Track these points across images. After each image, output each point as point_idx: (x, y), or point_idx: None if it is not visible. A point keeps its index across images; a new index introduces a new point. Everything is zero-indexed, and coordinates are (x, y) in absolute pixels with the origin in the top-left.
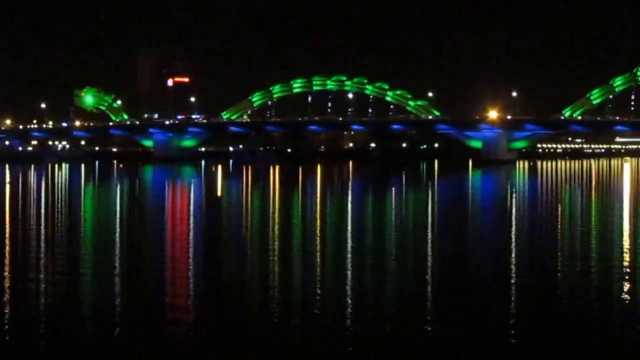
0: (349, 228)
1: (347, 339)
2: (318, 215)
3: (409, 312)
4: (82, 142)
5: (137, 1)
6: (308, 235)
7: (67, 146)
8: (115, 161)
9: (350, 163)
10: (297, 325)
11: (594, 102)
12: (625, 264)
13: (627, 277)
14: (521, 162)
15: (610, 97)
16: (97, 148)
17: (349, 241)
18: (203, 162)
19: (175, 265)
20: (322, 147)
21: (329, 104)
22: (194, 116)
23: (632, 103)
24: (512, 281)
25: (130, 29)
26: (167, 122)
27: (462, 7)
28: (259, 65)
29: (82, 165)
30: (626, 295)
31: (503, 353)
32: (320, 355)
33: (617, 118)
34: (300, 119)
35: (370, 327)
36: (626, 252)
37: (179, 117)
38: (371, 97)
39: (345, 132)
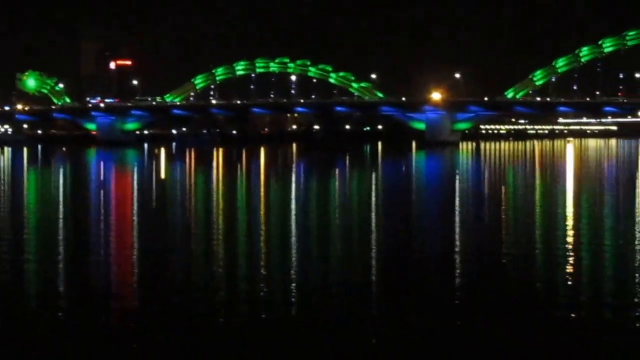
0: (293, 210)
1: (292, 320)
2: (262, 198)
3: (353, 294)
4: (25, 126)
5: None
6: (251, 218)
7: (10, 130)
8: (58, 145)
9: (294, 145)
10: (242, 309)
11: (537, 83)
12: (568, 244)
13: (569, 257)
14: (465, 144)
15: (553, 78)
16: (39, 132)
17: (293, 223)
18: (146, 145)
19: (119, 248)
20: (266, 129)
21: (273, 87)
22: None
23: (575, 84)
24: (455, 262)
25: (75, 13)
26: (110, 106)
27: None
28: (202, 48)
29: (25, 149)
30: (568, 275)
31: (447, 333)
32: (264, 337)
33: (560, 99)
34: (243, 101)
35: (314, 308)
36: (569, 233)
37: (122, 100)
38: (315, 79)
39: (289, 115)
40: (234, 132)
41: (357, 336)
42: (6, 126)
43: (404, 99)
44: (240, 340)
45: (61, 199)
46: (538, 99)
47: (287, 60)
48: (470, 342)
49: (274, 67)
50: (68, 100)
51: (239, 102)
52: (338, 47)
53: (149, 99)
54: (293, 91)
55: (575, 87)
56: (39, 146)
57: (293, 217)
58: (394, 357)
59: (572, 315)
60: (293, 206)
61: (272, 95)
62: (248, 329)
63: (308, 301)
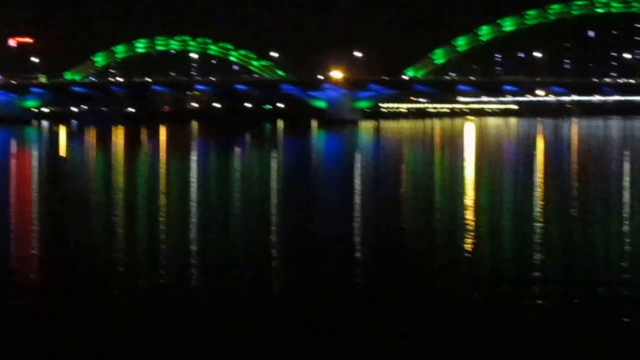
0: (194, 188)
1: (191, 300)
2: (161, 176)
3: (250, 275)
4: None
5: None
6: (149, 195)
7: None
8: None
9: (195, 123)
10: (141, 288)
11: (437, 62)
12: (467, 221)
13: (468, 233)
14: (366, 122)
15: (453, 57)
16: None
17: (193, 202)
18: (46, 123)
19: (18, 226)
20: (167, 107)
21: (173, 65)
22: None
23: (475, 63)
24: (355, 239)
25: None
26: (9, 83)
27: None
28: (102, 26)
29: None
30: (466, 251)
31: (347, 312)
32: (159, 321)
33: (460, 78)
34: (144, 79)
35: (211, 289)
36: (468, 210)
37: (22, 78)
38: (216, 57)
39: (190, 92)
40: (135, 110)
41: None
42: None
43: (304, 77)
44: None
45: None
46: (439, 78)
47: (188, 39)
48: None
49: (174, 45)
50: None
51: (138, 80)
52: (241, 26)
53: (42, 76)
54: (193, 69)
55: (475, 66)
56: None
57: (190, 196)
58: (279, 341)
59: (473, 293)
60: (191, 185)
61: (172, 74)
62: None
63: (203, 277)
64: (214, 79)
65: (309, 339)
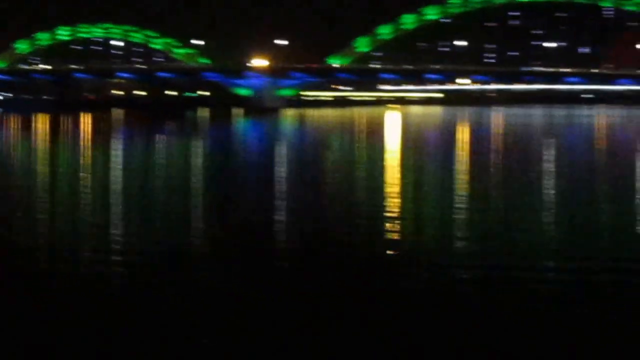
0: (115, 175)
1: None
2: (83, 163)
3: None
4: None
5: None
6: (71, 182)
7: None
8: None
9: (118, 111)
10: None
11: (361, 50)
12: (384, 207)
13: (384, 218)
14: (289, 110)
15: (377, 45)
16: None
17: (114, 187)
18: None
19: None
20: (90, 94)
21: (96, 52)
22: None
23: (398, 52)
24: (272, 226)
25: None
26: None
27: None
28: (25, 12)
29: None
30: (380, 235)
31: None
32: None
33: (383, 66)
34: (67, 66)
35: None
36: (386, 196)
37: None
38: (139, 44)
39: (113, 80)
40: (57, 98)
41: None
42: None
43: (228, 65)
44: None
45: None
46: (362, 66)
47: (111, 26)
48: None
49: (97, 32)
50: None
51: (61, 67)
52: (165, 13)
53: None
54: (117, 57)
55: (398, 55)
56: None
57: (108, 184)
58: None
59: (398, 283)
60: (110, 173)
61: (94, 61)
62: None
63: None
64: (136, 66)
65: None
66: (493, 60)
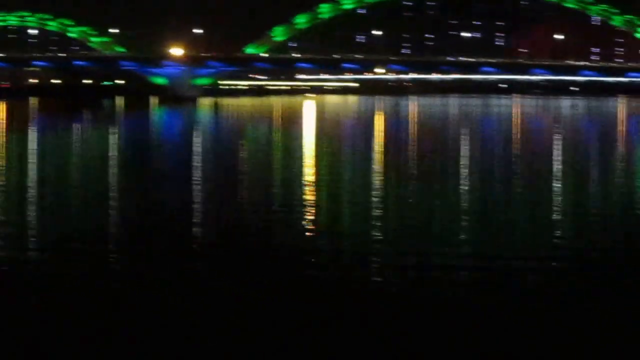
0: (29, 163)
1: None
2: None
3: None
4: None
5: None
6: None
7: None
8: None
9: (34, 99)
10: None
11: (277, 39)
12: (308, 199)
13: (307, 211)
14: (205, 99)
15: (293, 35)
16: None
17: (25, 178)
18: None
19: None
20: (5, 83)
21: (11, 40)
22: None
23: (315, 41)
24: (192, 214)
25: None
26: None
27: None
28: None
29: None
30: (305, 229)
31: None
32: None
33: (299, 55)
34: None
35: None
36: (301, 185)
37: None
38: (55, 33)
39: (28, 69)
40: None
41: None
42: None
43: (144, 54)
44: None
45: None
46: (279, 55)
47: (27, 14)
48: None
49: (12, 20)
50: None
51: None
52: (81, 1)
53: None
54: (33, 45)
55: (315, 44)
56: None
57: (22, 172)
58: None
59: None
60: (24, 160)
61: (10, 49)
62: None
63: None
64: (52, 55)
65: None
66: (409, 51)
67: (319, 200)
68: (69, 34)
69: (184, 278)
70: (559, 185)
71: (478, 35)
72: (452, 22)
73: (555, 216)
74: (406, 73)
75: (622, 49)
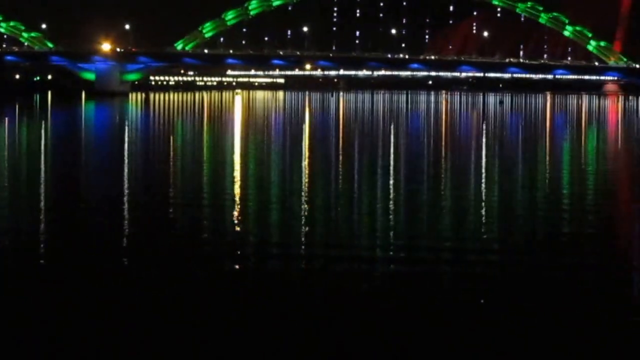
0: None
1: None
2: None
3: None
4: None
5: None
6: None
7: None
8: None
9: None
10: None
11: (207, 35)
12: (235, 193)
13: (235, 206)
14: (135, 94)
15: (223, 30)
16: None
17: None
18: None
19: None
20: None
21: None
22: None
23: (244, 37)
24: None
25: None
26: None
27: None
28: None
29: None
30: (232, 223)
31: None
32: None
33: (229, 51)
34: None
35: None
36: (236, 182)
37: None
38: None
39: None
40: None
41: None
42: None
43: (73, 49)
44: None
45: None
46: (207, 50)
47: None
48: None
49: None
50: None
51: None
52: None
53: None
54: None
55: (244, 40)
56: None
57: None
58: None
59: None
60: None
61: None
62: None
63: None
64: None
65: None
66: (338, 47)
67: (227, 191)
68: (24, 37)
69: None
70: (483, 175)
71: (406, 32)
72: (381, 19)
73: (475, 207)
74: (336, 69)
75: (548, 47)
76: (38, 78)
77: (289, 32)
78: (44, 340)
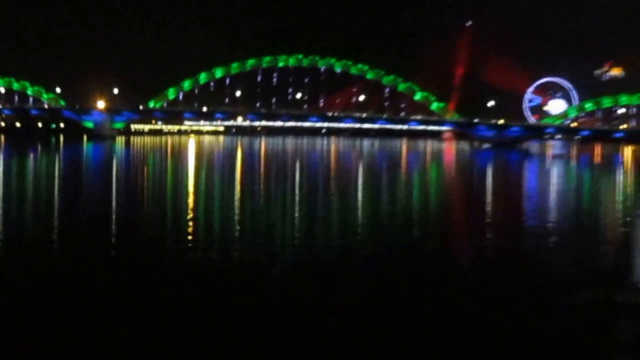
0: None
1: None
2: None
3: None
4: None
5: None
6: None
7: None
8: None
9: (1, 136)
10: None
11: (170, 97)
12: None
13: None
14: (120, 137)
15: (181, 93)
16: None
17: None
18: None
19: None
20: None
21: None
22: None
23: (196, 98)
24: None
25: None
26: None
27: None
28: None
29: None
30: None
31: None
32: None
33: (185, 108)
34: None
35: None
36: (178, 198)
37: None
38: (17, 91)
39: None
40: None
41: None
42: None
43: (78, 106)
44: None
45: None
46: (171, 108)
47: None
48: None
49: None
50: None
51: None
52: (30, 65)
53: None
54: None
55: (195, 101)
56: None
57: None
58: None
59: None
60: None
61: None
62: None
63: None
64: (16, 105)
65: None
66: (261, 104)
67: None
68: (27, 91)
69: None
70: (359, 191)
71: (308, 95)
72: (291, 85)
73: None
74: (259, 120)
75: (405, 106)
76: (54, 125)
77: (226, 95)
78: None
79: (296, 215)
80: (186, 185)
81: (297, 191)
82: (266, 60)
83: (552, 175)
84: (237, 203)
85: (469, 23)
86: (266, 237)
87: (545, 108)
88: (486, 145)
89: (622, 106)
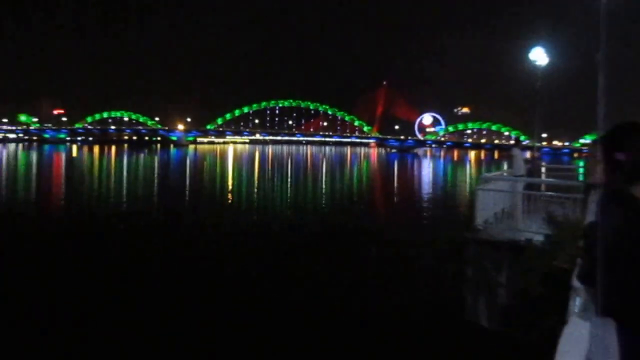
0: (120, 172)
1: None
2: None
3: None
4: None
5: None
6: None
7: None
8: None
9: (125, 145)
10: None
11: (218, 122)
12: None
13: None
14: (191, 146)
15: (225, 120)
16: None
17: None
18: None
19: None
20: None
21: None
22: None
23: (232, 123)
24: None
25: None
26: None
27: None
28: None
29: None
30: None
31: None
32: None
33: (226, 128)
34: (105, 127)
35: None
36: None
37: None
38: (134, 119)
39: (120, 133)
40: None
41: None
42: None
43: (167, 128)
44: None
45: None
46: (220, 127)
47: (124, 112)
48: None
49: (116, 114)
50: None
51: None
52: (143, 99)
53: None
54: (126, 124)
55: (232, 124)
56: None
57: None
58: None
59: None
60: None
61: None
62: None
63: None
64: (133, 128)
65: None
66: (268, 126)
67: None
68: (141, 119)
69: None
70: (318, 181)
71: (294, 120)
72: (286, 114)
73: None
74: (268, 136)
75: (349, 129)
76: (154, 139)
77: (249, 121)
78: None
79: (289, 184)
80: (231, 168)
81: (289, 171)
82: (272, 103)
83: (430, 165)
84: (256, 177)
85: (384, 83)
86: (276, 200)
87: (427, 129)
88: (394, 151)
89: (469, 129)
